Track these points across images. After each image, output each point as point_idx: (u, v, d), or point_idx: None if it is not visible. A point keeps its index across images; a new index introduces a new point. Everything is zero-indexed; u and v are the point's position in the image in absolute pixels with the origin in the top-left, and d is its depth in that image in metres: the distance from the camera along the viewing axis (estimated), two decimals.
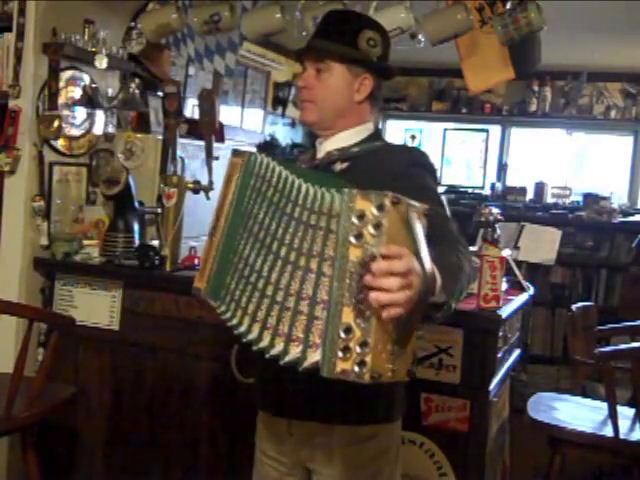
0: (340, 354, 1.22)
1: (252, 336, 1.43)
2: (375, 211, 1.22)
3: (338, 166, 1.72)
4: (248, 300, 1.45)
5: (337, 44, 1.74)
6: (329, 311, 1.26)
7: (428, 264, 1.23)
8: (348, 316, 1.23)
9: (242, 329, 1.46)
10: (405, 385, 1.85)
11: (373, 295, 1.18)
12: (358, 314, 1.22)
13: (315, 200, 1.36)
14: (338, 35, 1.75)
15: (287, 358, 1.35)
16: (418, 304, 1.23)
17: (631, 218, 5.59)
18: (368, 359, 1.20)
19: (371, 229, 1.22)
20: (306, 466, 1.79)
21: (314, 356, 1.30)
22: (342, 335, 1.22)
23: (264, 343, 1.40)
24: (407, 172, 1.64)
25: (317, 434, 1.72)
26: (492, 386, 2.34)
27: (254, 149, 4.66)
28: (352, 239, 1.23)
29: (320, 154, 1.79)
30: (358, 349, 1.21)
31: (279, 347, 1.37)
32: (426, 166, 1.74)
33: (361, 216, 1.23)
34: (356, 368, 1.21)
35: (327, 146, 1.78)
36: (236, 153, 1.61)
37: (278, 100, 5.72)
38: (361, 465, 1.72)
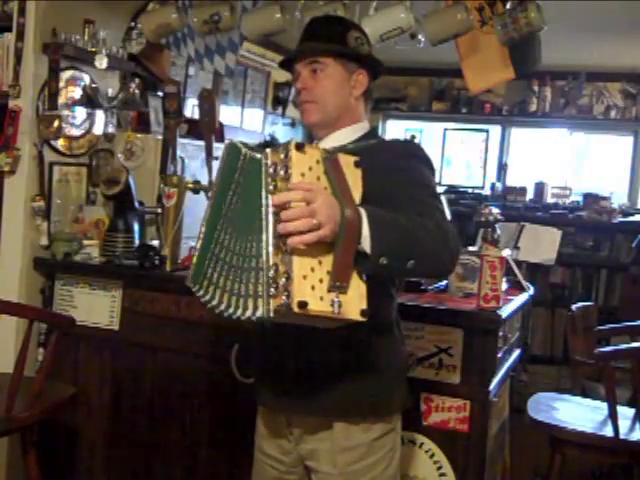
0: (273, 292, 1.37)
1: (236, 310, 1.48)
2: (282, 158, 1.40)
3: None
4: (219, 275, 1.52)
5: (329, 43, 1.76)
6: (263, 260, 1.40)
7: (347, 203, 1.38)
8: (275, 257, 1.38)
9: (231, 311, 1.49)
10: (407, 381, 1.86)
11: (279, 226, 1.35)
12: (279, 252, 1.37)
13: (255, 166, 1.46)
14: (327, 35, 1.79)
15: (247, 314, 1.44)
16: (341, 239, 1.36)
17: (631, 218, 5.59)
18: (291, 288, 1.34)
19: (282, 174, 1.39)
20: (305, 464, 1.79)
21: (261, 304, 1.41)
22: (272, 276, 1.37)
23: (240, 311, 1.47)
24: (402, 165, 1.65)
25: (316, 430, 1.73)
26: (492, 386, 2.34)
27: None
28: (271, 189, 1.40)
29: None
30: (284, 282, 1.35)
31: (249, 306, 1.45)
32: (421, 157, 1.75)
33: (274, 168, 1.41)
34: (284, 299, 1.34)
35: (323, 145, 1.79)
36: (225, 145, 1.64)
37: (278, 100, 5.72)
38: (360, 462, 1.73)
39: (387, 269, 1.45)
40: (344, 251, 1.38)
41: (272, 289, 1.36)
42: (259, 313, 1.41)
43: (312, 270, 1.36)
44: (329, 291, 1.37)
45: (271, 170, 1.41)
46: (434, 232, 1.51)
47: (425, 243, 1.49)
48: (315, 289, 1.36)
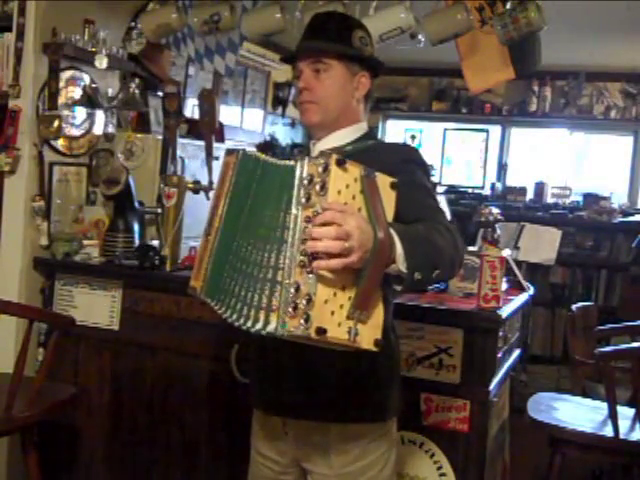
0: (290, 312, 1.30)
1: (249, 323, 1.42)
2: (321, 172, 1.32)
3: None
4: (247, 290, 1.45)
5: (334, 43, 1.75)
6: (284, 274, 1.34)
7: (381, 228, 1.32)
8: (298, 275, 1.31)
9: (242, 321, 1.45)
10: (404, 383, 1.86)
11: (309, 244, 1.28)
12: (304, 270, 1.30)
13: (282, 174, 1.41)
14: (333, 35, 1.77)
15: (257, 326, 1.39)
16: (370, 266, 1.31)
17: (631, 218, 5.59)
18: (312, 313, 1.27)
19: (317, 189, 1.31)
20: (301, 465, 1.79)
21: (274, 320, 1.35)
22: (292, 294, 1.30)
23: (260, 324, 1.40)
24: (398, 168, 1.65)
25: (312, 433, 1.73)
26: (492, 386, 2.34)
27: (254, 149, 4.66)
28: (303, 201, 1.33)
29: (314, 154, 1.80)
30: (304, 304, 1.28)
31: (260, 319, 1.39)
32: (417, 161, 1.76)
33: (310, 180, 1.33)
34: (302, 322, 1.28)
35: (321, 146, 1.79)
36: (229, 152, 1.62)
37: (278, 100, 5.72)
38: (356, 463, 1.73)
39: (419, 283, 1.44)
40: (371, 278, 1.33)
41: (290, 309, 1.30)
42: (270, 328, 1.36)
43: (334, 295, 1.30)
44: (348, 318, 1.32)
45: (305, 182, 1.33)
46: (447, 237, 1.52)
47: (444, 250, 1.49)
48: (334, 314, 1.30)
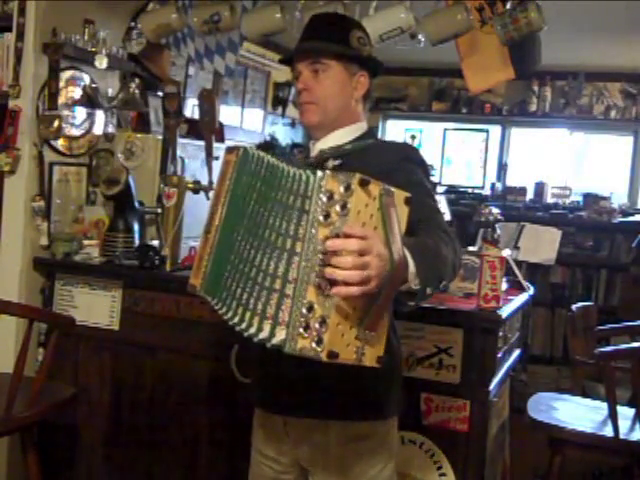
0: (302, 331, 1.27)
1: (252, 330, 1.42)
2: (342, 191, 1.27)
3: (330, 163, 1.73)
4: (249, 294, 1.44)
5: (332, 43, 1.75)
6: (295, 289, 1.31)
7: (397, 250, 1.28)
8: (312, 295, 1.28)
9: (243, 326, 1.44)
10: (404, 383, 1.86)
11: (328, 270, 1.24)
12: (320, 292, 1.27)
13: (294, 182, 1.39)
14: (330, 35, 1.78)
15: (261, 335, 1.39)
16: (385, 289, 1.28)
17: (631, 218, 5.59)
18: (325, 337, 1.25)
19: (338, 209, 1.27)
20: (302, 465, 1.79)
21: (282, 333, 1.33)
22: (304, 313, 1.27)
23: (264, 334, 1.39)
24: (398, 167, 1.65)
25: (313, 432, 1.73)
26: (492, 386, 2.34)
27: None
28: (321, 219, 1.29)
29: (313, 153, 1.80)
30: (317, 326, 1.26)
31: (265, 329, 1.38)
32: (416, 160, 1.76)
33: (330, 196, 1.28)
34: (314, 345, 1.26)
35: (320, 145, 1.80)
36: (229, 150, 1.61)
37: (278, 100, 5.73)
38: (357, 463, 1.73)
39: (429, 297, 1.45)
40: (384, 301, 1.31)
41: (301, 328, 1.27)
42: (276, 341, 1.34)
43: (346, 317, 1.28)
44: (356, 338, 1.30)
45: (324, 197, 1.29)
46: (448, 243, 1.52)
47: (448, 259, 1.49)
48: (344, 336, 1.28)
